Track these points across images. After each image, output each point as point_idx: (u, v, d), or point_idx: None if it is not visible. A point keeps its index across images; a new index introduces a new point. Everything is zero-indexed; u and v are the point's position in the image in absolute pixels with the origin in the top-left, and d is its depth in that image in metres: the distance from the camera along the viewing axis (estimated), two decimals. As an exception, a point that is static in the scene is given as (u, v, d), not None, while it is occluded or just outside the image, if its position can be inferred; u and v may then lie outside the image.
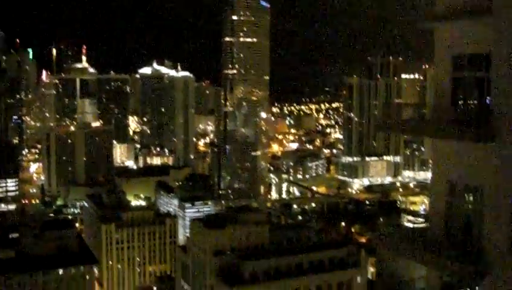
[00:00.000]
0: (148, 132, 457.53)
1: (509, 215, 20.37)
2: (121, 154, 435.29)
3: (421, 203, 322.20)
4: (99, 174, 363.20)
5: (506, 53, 20.13)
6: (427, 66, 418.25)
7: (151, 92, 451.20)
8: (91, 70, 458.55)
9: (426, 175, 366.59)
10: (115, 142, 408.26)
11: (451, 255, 21.37)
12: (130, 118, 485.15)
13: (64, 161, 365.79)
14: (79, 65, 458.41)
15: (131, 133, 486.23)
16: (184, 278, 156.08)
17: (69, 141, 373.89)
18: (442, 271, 22.62)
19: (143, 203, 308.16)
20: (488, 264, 20.83)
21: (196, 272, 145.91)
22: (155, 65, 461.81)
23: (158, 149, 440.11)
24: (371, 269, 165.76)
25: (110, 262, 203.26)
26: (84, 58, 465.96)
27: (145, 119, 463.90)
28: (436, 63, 23.76)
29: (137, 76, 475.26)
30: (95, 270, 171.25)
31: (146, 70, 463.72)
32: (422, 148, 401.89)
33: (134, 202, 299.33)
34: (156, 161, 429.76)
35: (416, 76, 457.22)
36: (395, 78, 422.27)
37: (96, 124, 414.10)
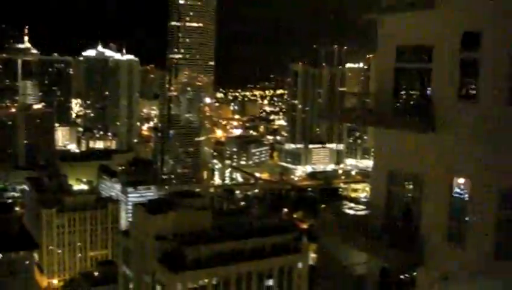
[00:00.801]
0: (92, 115, 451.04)
1: (448, 204, 20.88)
2: (63, 138, 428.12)
3: (363, 191, 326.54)
4: (41, 157, 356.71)
5: (448, 46, 20.57)
6: (371, 56, 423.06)
7: (95, 74, 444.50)
8: (33, 51, 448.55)
9: (368, 163, 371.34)
10: (57, 125, 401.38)
11: (391, 243, 21.80)
12: (73, 100, 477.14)
13: (4, 144, 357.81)
14: (21, 45, 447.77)
15: (74, 116, 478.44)
16: (126, 263, 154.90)
17: (9, 123, 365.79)
18: (382, 258, 23.06)
19: (85, 187, 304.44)
20: (425, 252, 21.34)
21: (138, 257, 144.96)
22: (100, 48, 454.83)
23: (101, 133, 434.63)
24: (313, 255, 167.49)
25: (51, 247, 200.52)
26: (26, 38, 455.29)
27: (88, 102, 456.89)
28: (380, 54, 24.08)
29: (81, 58, 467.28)
30: (35, 255, 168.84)
31: (90, 52, 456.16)
32: (365, 137, 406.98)
33: (76, 186, 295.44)
34: (99, 144, 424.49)
35: (361, 65, 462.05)
36: (340, 66, 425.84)
37: (38, 106, 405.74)
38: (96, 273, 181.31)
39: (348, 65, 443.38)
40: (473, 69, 19.99)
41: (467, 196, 20.53)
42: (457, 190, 20.96)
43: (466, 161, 20.20)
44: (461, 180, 20.84)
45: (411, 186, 23.13)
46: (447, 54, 20.67)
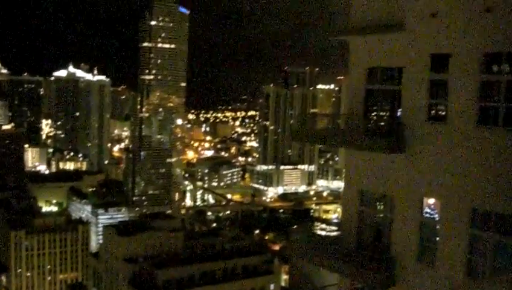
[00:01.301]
0: (62, 136, 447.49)
1: (418, 224, 20.99)
2: (32, 159, 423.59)
3: (334, 212, 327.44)
4: (10, 178, 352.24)
5: (417, 67, 20.80)
6: (342, 77, 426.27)
7: (66, 95, 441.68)
8: (4, 70, 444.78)
9: (340, 184, 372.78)
10: (26, 146, 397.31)
11: (362, 263, 21.83)
12: (44, 121, 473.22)
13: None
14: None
15: (44, 137, 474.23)
16: (96, 286, 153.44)
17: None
18: (353, 279, 23.07)
19: (55, 209, 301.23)
20: (397, 273, 21.39)
21: (108, 280, 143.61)
22: (71, 68, 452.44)
23: (72, 154, 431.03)
24: (284, 277, 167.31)
25: (20, 270, 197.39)
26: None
27: (59, 123, 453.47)
28: (351, 75, 24.26)
29: (52, 79, 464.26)
30: (3, 278, 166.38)
31: (61, 73, 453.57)
32: (337, 158, 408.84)
33: (46, 208, 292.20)
34: (69, 166, 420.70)
35: (332, 86, 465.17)
36: (311, 88, 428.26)
37: (7, 126, 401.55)
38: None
39: (320, 86, 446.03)
40: (442, 90, 20.23)
41: (437, 216, 20.67)
42: (428, 210, 21.10)
43: (436, 182, 20.35)
44: (431, 201, 20.99)
45: (382, 207, 23.23)
46: (416, 76, 20.89)
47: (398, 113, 22.01)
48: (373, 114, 23.60)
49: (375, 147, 21.47)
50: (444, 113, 20.54)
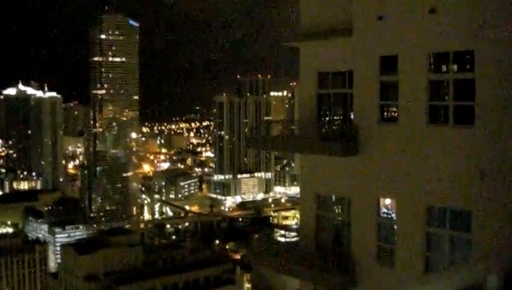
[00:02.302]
0: (15, 155, 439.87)
1: (375, 225, 21.21)
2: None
3: (293, 218, 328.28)
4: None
5: (367, 70, 21.07)
6: (294, 84, 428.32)
7: (17, 113, 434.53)
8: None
9: (297, 190, 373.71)
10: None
11: (322, 267, 21.96)
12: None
13: None
14: None
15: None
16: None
17: None
18: (315, 282, 23.17)
19: (10, 230, 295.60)
20: (357, 274, 21.56)
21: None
22: (20, 86, 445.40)
23: (25, 173, 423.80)
24: (247, 285, 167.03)
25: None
26: None
27: (10, 142, 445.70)
28: (302, 80, 24.44)
29: (1, 97, 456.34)
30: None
31: (11, 91, 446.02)
32: (293, 164, 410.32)
33: (1, 230, 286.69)
34: (24, 185, 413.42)
35: (285, 93, 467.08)
36: (264, 95, 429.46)
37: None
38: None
39: (273, 93, 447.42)
40: (393, 92, 20.52)
41: (394, 216, 20.92)
42: (385, 211, 21.34)
43: (390, 182, 20.60)
44: (388, 201, 21.24)
45: (339, 210, 23.41)
46: (366, 78, 21.15)
47: (351, 116, 22.24)
48: (326, 118, 23.81)
49: (328, 150, 21.65)
50: (395, 114, 20.83)
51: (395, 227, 20.82)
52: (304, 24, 24.05)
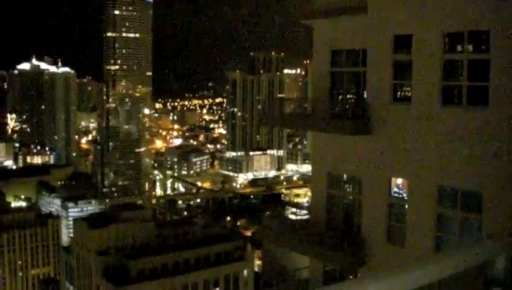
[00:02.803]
0: (28, 130, 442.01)
1: (387, 205, 21.21)
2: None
3: (305, 196, 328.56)
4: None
5: (381, 49, 20.95)
6: (308, 62, 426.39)
7: (31, 88, 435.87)
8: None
9: (309, 168, 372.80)
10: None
11: (332, 245, 22.01)
12: (9, 116, 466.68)
13: None
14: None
15: (9, 131, 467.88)
16: (69, 280, 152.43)
17: None
18: (324, 261, 23.26)
19: (23, 204, 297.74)
20: (367, 253, 21.61)
21: (81, 273, 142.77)
22: (34, 61, 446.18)
23: (39, 148, 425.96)
24: (258, 262, 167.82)
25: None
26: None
27: (24, 117, 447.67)
28: (315, 58, 24.34)
29: (16, 72, 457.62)
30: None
31: (25, 66, 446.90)
32: (305, 142, 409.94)
33: (14, 204, 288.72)
34: (37, 160, 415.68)
35: (298, 71, 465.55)
36: (278, 73, 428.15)
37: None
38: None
39: (286, 71, 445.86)
40: (407, 71, 20.41)
41: (405, 195, 20.91)
42: (397, 190, 21.32)
43: (402, 162, 20.56)
44: (399, 181, 21.21)
45: (350, 189, 23.42)
46: (380, 57, 21.04)
47: (364, 95, 22.16)
48: (339, 97, 23.74)
49: (340, 129, 21.61)
50: (409, 94, 20.73)
51: (406, 207, 20.82)
52: (317, 1, 23.90)
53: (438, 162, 19.43)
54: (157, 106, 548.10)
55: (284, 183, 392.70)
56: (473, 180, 18.67)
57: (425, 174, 19.82)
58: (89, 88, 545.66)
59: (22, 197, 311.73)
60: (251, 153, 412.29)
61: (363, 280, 4.51)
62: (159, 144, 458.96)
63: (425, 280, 5.60)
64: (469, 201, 19.12)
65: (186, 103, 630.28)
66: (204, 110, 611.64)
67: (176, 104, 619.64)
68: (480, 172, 18.44)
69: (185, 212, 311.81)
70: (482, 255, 7.32)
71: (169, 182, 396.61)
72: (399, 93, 21.14)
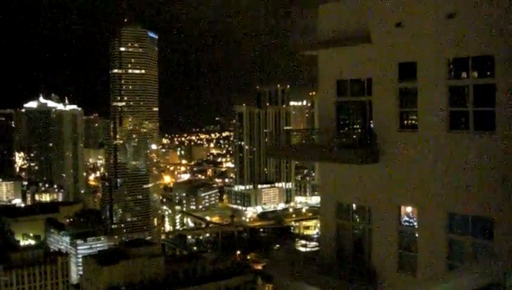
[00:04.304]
0: (36, 168, 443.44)
1: (397, 233, 21.03)
2: (7, 192, 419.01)
3: (315, 228, 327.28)
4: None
5: (386, 77, 20.96)
6: (314, 93, 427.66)
7: (38, 126, 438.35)
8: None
9: (318, 199, 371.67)
10: (0, 180, 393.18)
11: (344, 276, 21.80)
12: (17, 154, 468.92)
13: None
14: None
15: (17, 169, 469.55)
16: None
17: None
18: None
19: (32, 242, 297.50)
20: (378, 283, 21.38)
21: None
22: (41, 99, 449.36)
23: (47, 185, 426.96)
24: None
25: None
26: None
27: (32, 154, 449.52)
28: (321, 89, 24.35)
29: (23, 110, 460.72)
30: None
31: (32, 104, 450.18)
32: (313, 173, 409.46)
33: (23, 242, 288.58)
34: (45, 197, 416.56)
35: (304, 103, 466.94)
36: (284, 105, 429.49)
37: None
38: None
39: (292, 103, 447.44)
40: (413, 99, 20.39)
41: (416, 223, 20.74)
42: (407, 219, 21.16)
43: (411, 190, 20.44)
44: (409, 209, 21.06)
45: (360, 218, 23.26)
46: (385, 86, 21.05)
47: (371, 124, 22.12)
48: (346, 126, 23.71)
49: (348, 158, 21.53)
50: (415, 121, 20.69)
51: (417, 235, 20.65)
52: (321, 32, 23.99)
53: (447, 188, 19.31)
54: (164, 141, 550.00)
55: (293, 215, 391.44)
56: (483, 206, 18.52)
57: (434, 201, 19.69)
58: (96, 125, 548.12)
59: (31, 235, 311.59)
60: (259, 186, 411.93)
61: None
62: (167, 179, 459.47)
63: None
64: (480, 227, 18.95)
65: (193, 137, 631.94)
66: (212, 145, 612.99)
67: (183, 138, 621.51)
68: (490, 197, 18.30)
69: (195, 247, 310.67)
70: (493, 273, 7.22)
71: (178, 217, 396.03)
72: (405, 120, 21.09)
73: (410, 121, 21.06)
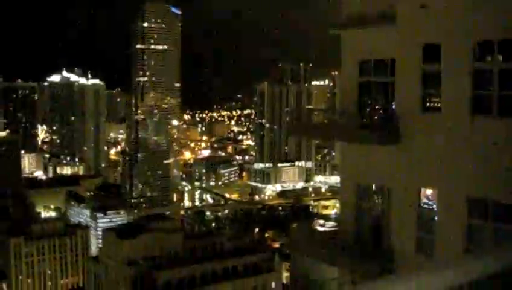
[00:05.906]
0: (58, 141, 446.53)
1: (416, 215, 21.02)
2: (29, 165, 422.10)
3: (333, 207, 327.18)
4: (7, 185, 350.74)
5: (410, 58, 20.83)
6: (336, 73, 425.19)
7: (61, 100, 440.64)
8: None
9: (337, 179, 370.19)
10: (22, 152, 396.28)
11: (361, 256, 21.87)
12: (39, 127, 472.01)
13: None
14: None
15: (40, 142, 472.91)
16: (97, 289, 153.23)
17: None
18: (353, 271, 23.10)
19: (53, 214, 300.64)
20: (396, 264, 21.41)
21: (109, 283, 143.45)
22: (64, 73, 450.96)
23: (68, 158, 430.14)
24: (286, 274, 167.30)
25: (20, 277, 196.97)
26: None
27: (54, 128, 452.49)
28: (343, 69, 24.29)
29: (46, 84, 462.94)
30: (4, 286, 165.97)
31: (55, 78, 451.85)
32: (333, 153, 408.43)
33: (44, 214, 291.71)
34: (67, 170, 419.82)
35: (326, 82, 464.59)
36: (306, 84, 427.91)
37: (2, 133, 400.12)
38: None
39: (314, 82, 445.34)
40: (436, 81, 20.26)
41: (435, 206, 20.71)
42: (426, 201, 21.13)
43: (432, 172, 20.38)
44: (429, 191, 21.02)
45: (379, 199, 23.25)
46: (409, 67, 20.91)
47: (393, 105, 22.04)
48: (367, 107, 23.64)
49: (369, 139, 21.51)
50: (438, 103, 20.57)
51: (436, 218, 20.62)
52: (344, 11, 23.87)
53: (468, 172, 19.22)
54: (186, 117, 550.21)
55: (312, 195, 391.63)
56: (504, 191, 18.43)
57: (455, 184, 19.62)
58: (118, 100, 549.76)
59: (52, 207, 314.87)
60: (279, 165, 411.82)
61: (392, 280, 4.54)
62: (187, 155, 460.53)
63: (459, 278, 5.49)
64: (500, 212, 18.87)
65: (215, 114, 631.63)
66: (233, 122, 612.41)
67: (204, 115, 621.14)
68: (511, 183, 18.20)
69: (213, 224, 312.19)
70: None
71: (197, 194, 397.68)
72: (428, 103, 20.97)
73: (432, 104, 20.95)
